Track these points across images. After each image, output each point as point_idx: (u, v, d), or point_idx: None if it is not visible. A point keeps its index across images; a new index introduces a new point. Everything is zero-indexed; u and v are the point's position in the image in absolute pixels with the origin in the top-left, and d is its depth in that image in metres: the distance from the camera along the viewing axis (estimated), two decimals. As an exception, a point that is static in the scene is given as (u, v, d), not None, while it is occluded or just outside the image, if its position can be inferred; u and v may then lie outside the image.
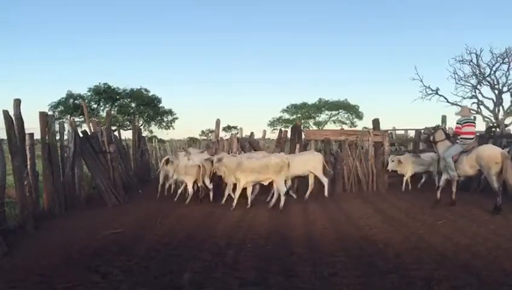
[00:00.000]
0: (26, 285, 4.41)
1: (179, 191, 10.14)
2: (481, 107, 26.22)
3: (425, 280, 4.47)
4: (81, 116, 32.13)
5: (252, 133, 13.83)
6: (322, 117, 45.80)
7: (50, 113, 12.12)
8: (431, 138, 9.54)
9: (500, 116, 25.11)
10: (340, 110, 44.77)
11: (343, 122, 44.49)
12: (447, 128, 10.74)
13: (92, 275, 4.71)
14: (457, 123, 9.06)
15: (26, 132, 7.77)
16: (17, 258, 5.41)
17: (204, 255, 5.57)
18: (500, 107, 25.76)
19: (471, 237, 6.33)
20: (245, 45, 74.24)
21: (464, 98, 27.08)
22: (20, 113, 7.48)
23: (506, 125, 23.78)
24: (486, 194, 9.84)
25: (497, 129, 12.93)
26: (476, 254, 5.44)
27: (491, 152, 8.34)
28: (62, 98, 35.29)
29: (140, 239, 6.49)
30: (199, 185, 9.81)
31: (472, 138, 8.90)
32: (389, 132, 14.92)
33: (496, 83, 25.84)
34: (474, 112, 24.73)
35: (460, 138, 8.85)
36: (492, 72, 25.84)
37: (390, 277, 4.64)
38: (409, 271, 4.80)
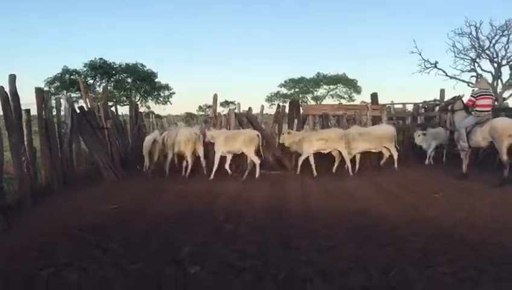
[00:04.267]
0: (26, 261, 4.43)
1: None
2: (479, 80, 26.08)
3: (421, 253, 4.52)
4: (77, 92, 31.97)
5: (249, 109, 13.76)
6: (320, 92, 45.74)
7: (46, 89, 12.03)
8: (449, 107, 9.65)
9: (499, 89, 25.03)
10: (339, 85, 44.65)
11: (342, 97, 44.44)
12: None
13: (92, 250, 4.74)
14: (471, 96, 9.06)
15: (22, 108, 7.71)
16: (16, 234, 5.44)
17: (203, 229, 5.60)
18: (499, 81, 25.67)
19: (468, 210, 6.38)
20: (242, 18, 73.21)
21: (463, 72, 27.02)
22: (15, 89, 7.39)
23: (505, 99, 23.80)
24: (483, 168, 9.91)
25: (496, 102, 12.90)
26: (473, 226, 5.48)
27: (507, 124, 8.27)
28: (58, 73, 35.09)
29: (140, 214, 6.53)
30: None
31: (488, 111, 8.88)
32: (387, 106, 14.88)
33: (495, 56, 25.69)
34: (473, 85, 24.64)
35: (475, 110, 8.85)
36: (491, 45, 25.67)
37: (386, 249, 4.68)
38: (405, 244, 4.84)
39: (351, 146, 10.39)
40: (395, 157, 10.66)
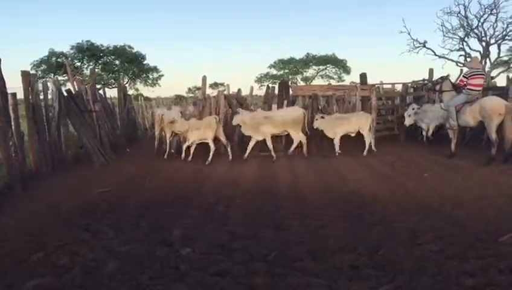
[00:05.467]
0: (17, 245, 4.42)
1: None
2: (468, 59, 26.18)
3: (410, 231, 4.58)
4: (64, 75, 31.59)
5: (239, 90, 13.71)
6: (310, 72, 45.59)
7: (32, 72, 11.86)
8: (437, 87, 9.59)
9: (487, 68, 25.12)
10: (328, 65, 44.49)
11: (331, 77, 44.33)
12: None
13: (82, 234, 4.74)
14: (463, 76, 8.99)
15: (8, 91, 7.58)
16: (6, 218, 5.41)
17: (194, 211, 5.63)
18: (487, 60, 25.75)
19: (456, 188, 6.48)
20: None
21: (452, 51, 27.03)
22: (1, 72, 7.26)
23: (493, 78, 23.92)
24: (471, 147, 10.01)
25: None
26: (461, 204, 5.58)
27: (495, 103, 8.28)
28: (44, 56, 34.57)
29: (130, 197, 6.52)
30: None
31: (479, 90, 8.83)
32: (376, 86, 14.88)
33: (483, 35, 25.70)
34: (462, 65, 24.73)
35: (467, 88, 8.75)
36: (480, 24, 25.64)
37: (376, 228, 4.74)
38: (394, 223, 4.91)
39: (260, 130, 9.96)
40: (303, 142, 10.21)
